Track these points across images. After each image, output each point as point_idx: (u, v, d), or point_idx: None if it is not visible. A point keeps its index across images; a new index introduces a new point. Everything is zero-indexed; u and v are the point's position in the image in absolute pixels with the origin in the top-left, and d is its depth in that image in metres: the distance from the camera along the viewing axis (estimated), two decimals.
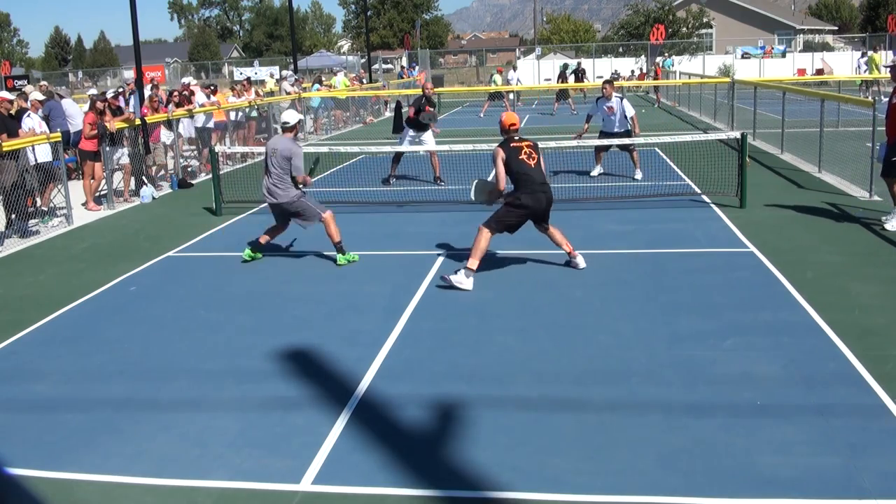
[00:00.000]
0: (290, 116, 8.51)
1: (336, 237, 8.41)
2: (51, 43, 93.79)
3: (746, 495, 3.92)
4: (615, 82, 15.26)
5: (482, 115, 27.48)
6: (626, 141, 12.63)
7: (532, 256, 8.45)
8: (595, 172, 13.70)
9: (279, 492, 4.13)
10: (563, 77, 32.29)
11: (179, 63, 67.95)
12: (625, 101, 13.34)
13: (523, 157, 7.50)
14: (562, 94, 28.31)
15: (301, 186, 8.35)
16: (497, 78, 30.37)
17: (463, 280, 7.31)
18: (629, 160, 13.35)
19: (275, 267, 8.61)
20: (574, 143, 12.62)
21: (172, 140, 14.78)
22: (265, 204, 12.14)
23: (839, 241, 8.80)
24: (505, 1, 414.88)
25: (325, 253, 8.94)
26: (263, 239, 8.68)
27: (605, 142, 12.95)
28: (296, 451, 4.51)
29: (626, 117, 13.15)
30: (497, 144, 7.70)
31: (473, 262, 7.38)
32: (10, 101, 10.93)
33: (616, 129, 13.22)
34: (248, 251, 8.66)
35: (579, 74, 32.55)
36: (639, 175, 13.19)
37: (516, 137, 7.68)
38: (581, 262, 7.78)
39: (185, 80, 18.18)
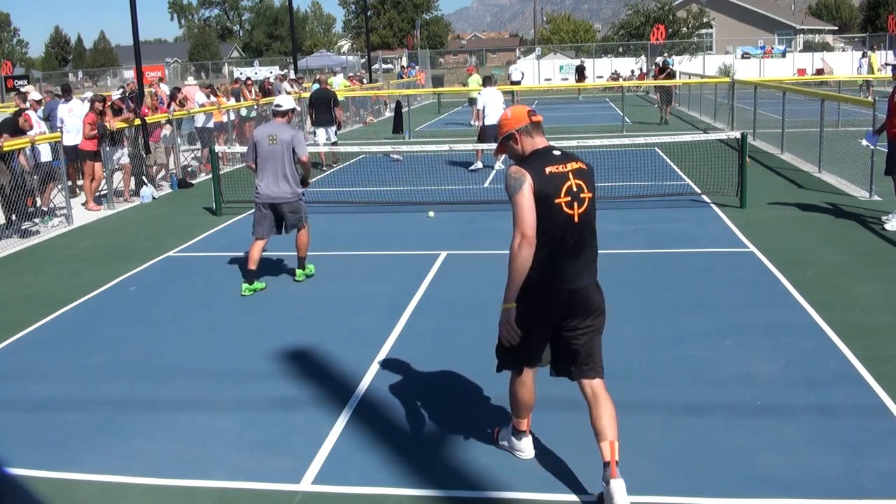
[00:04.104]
0: (286, 101, 7.86)
1: (305, 251, 7.93)
2: (51, 43, 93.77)
3: (746, 495, 3.92)
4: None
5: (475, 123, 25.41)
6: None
7: None
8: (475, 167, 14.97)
9: (279, 492, 4.13)
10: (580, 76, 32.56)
11: (179, 63, 67.95)
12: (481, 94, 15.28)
13: (562, 200, 3.80)
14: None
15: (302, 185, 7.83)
16: (473, 79, 25.91)
17: (514, 444, 4.41)
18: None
19: (275, 267, 8.60)
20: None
21: (172, 140, 14.79)
22: None
23: (839, 241, 8.80)
24: (505, 1, 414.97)
25: (325, 253, 8.94)
26: (253, 264, 7.65)
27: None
28: (296, 451, 4.51)
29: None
30: (515, 162, 3.95)
31: (516, 420, 4.37)
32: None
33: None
34: (246, 286, 7.62)
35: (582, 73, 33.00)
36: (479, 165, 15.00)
37: (556, 152, 3.94)
38: (619, 492, 3.72)
39: (187, 81, 18.21)
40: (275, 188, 7.58)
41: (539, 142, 3.96)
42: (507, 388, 4.25)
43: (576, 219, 3.83)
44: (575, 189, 3.82)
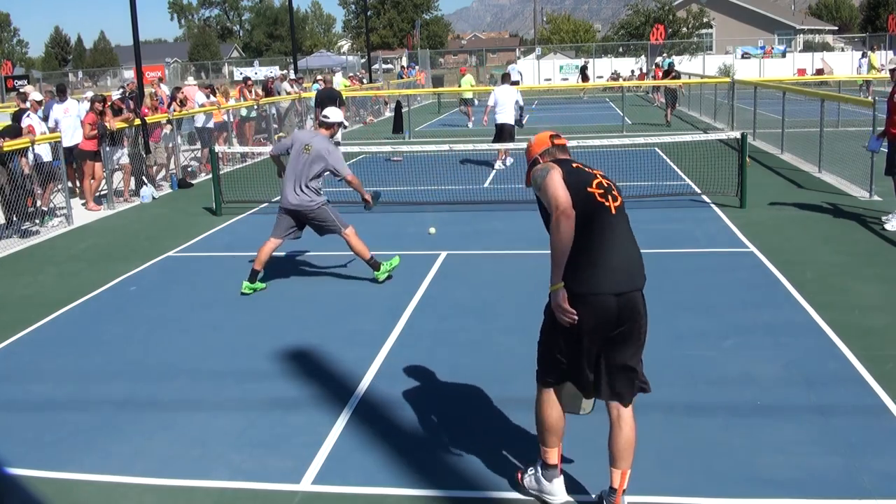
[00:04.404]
0: (334, 113, 7.76)
1: (366, 254, 7.65)
2: (51, 43, 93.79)
3: (746, 495, 3.92)
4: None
5: (469, 124, 24.36)
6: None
7: (532, 256, 8.45)
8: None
9: (279, 492, 4.13)
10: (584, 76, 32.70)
11: (179, 63, 67.93)
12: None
13: (594, 191, 3.66)
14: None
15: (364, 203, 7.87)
16: (466, 79, 26.38)
17: (543, 484, 3.92)
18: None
19: (275, 267, 8.60)
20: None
21: (171, 139, 14.79)
22: (265, 204, 12.13)
23: (839, 241, 8.80)
24: (505, 1, 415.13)
25: (325, 253, 8.94)
26: (259, 264, 7.60)
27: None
28: (296, 451, 4.51)
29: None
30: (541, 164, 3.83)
31: (545, 450, 3.88)
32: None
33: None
34: (246, 284, 7.60)
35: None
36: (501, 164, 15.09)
37: (585, 167, 3.83)
38: None
39: (187, 81, 18.22)
40: (294, 196, 7.51)
41: (556, 148, 3.92)
42: (510, 390, 4.23)
43: (612, 210, 3.64)
44: (605, 185, 3.69)
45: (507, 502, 3.99)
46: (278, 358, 5.94)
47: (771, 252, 8.30)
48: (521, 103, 15.36)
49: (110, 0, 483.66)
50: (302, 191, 7.49)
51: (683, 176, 13.24)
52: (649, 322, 3.79)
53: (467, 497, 4.05)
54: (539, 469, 3.92)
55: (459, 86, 26.32)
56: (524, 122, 15.87)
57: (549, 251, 3.56)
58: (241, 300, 7.47)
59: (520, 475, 4.07)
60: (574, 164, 3.75)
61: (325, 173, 7.61)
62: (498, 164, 15.01)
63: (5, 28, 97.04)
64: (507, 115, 14.92)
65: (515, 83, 30.35)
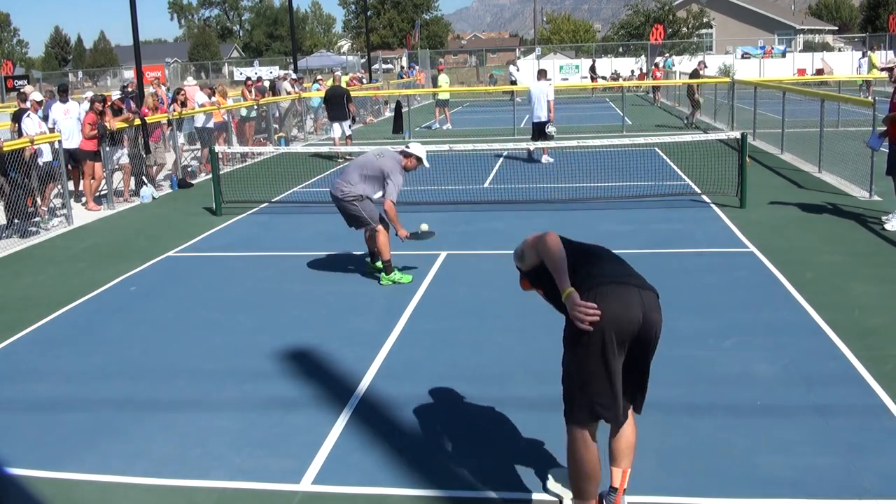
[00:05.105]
0: (418, 149, 7.89)
1: (386, 255, 7.67)
2: (51, 43, 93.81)
3: (746, 495, 3.92)
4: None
5: (445, 126, 24.50)
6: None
7: None
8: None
9: (279, 492, 4.13)
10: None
11: (179, 63, 67.93)
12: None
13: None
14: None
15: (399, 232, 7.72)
16: (443, 78, 26.32)
17: None
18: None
19: (275, 267, 8.60)
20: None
21: (171, 138, 14.79)
22: (265, 204, 12.12)
23: (839, 241, 8.80)
24: (505, 1, 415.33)
25: (325, 253, 8.95)
26: (372, 246, 8.00)
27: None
28: (296, 451, 4.51)
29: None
30: None
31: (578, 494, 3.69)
32: None
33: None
34: (370, 263, 8.11)
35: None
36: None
37: None
38: None
39: (187, 81, 18.24)
40: (335, 184, 7.75)
41: None
42: (510, 389, 4.22)
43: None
44: None
45: (506, 502, 3.99)
46: (278, 358, 5.94)
47: (771, 252, 8.31)
48: (550, 97, 15.18)
49: (110, 0, 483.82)
50: (350, 184, 7.63)
51: (683, 176, 13.24)
52: None
53: (467, 497, 4.05)
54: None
55: (435, 85, 26.38)
56: (550, 127, 15.21)
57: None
58: (241, 300, 7.47)
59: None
60: None
61: (378, 185, 7.73)
62: (545, 159, 15.28)
63: (5, 28, 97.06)
64: (539, 113, 15.21)
65: (514, 83, 30.45)
